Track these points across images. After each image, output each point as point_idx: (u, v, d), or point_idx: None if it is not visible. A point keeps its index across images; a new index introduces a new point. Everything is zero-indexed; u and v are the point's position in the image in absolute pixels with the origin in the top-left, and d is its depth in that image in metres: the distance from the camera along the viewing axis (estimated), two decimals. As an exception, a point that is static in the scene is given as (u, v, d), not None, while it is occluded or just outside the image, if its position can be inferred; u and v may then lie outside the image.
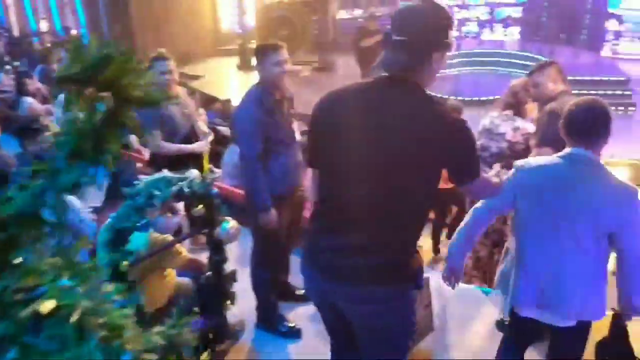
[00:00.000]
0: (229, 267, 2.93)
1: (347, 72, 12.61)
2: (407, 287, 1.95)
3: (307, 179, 3.03)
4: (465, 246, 2.55)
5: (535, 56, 12.53)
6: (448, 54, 1.86)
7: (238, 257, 3.71)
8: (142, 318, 1.98)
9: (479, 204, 2.50)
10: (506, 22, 13.92)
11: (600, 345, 2.62)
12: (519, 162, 2.45)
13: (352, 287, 1.90)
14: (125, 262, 2.30)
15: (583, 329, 2.39)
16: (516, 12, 14.45)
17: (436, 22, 1.81)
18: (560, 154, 2.35)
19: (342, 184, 1.91)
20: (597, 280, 2.33)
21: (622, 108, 10.37)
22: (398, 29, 1.80)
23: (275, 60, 3.14)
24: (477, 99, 10.61)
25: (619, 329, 2.55)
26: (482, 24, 14.11)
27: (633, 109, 10.33)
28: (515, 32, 14.47)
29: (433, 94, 10.14)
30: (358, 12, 15.46)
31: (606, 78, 10.91)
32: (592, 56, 12.89)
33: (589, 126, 2.26)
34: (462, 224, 2.53)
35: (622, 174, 4.56)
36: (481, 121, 4.12)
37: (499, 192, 2.20)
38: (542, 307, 2.37)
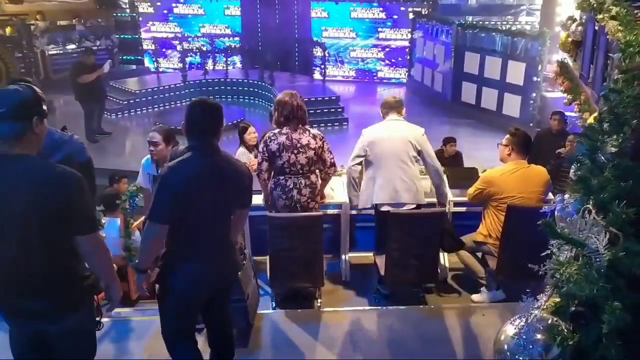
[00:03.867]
0: None
1: (66, 111, 11.58)
2: None
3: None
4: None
5: (258, 82, 13.36)
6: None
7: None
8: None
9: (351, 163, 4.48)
10: (227, 52, 14.49)
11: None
12: (365, 130, 4.43)
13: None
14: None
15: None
16: (235, 43, 15.19)
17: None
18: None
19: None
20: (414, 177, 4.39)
21: (338, 124, 11.70)
22: None
23: None
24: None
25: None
26: (204, 55, 14.43)
27: (346, 124, 11.72)
28: (237, 61, 15.19)
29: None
30: (71, 47, 14.37)
31: (320, 98, 12.18)
32: (306, 79, 14.28)
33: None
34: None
35: (339, 182, 5.07)
36: (271, 142, 4.14)
37: None
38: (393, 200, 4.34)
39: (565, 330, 1.28)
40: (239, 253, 3.36)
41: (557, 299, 1.34)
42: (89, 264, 2.39)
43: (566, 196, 1.56)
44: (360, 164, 4.47)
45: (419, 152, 4.37)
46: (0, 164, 2.06)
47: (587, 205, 1.39)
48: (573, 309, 1.29)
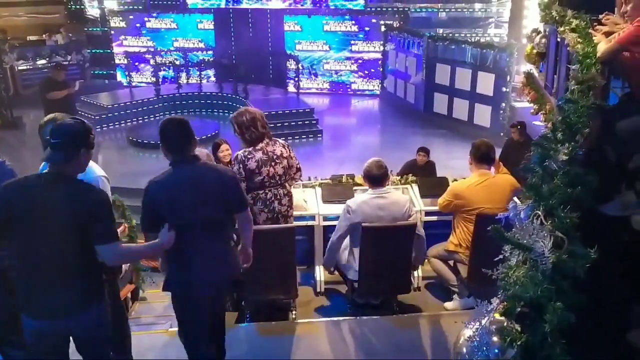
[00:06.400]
0: None
1: (36, 126, 11.32)
2: None
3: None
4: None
5: (232, 95, 13.36)
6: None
7: None
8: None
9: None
10: (201, 66, 14.46)
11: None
12: (350, 204, 4.15)
13: None
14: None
15: None
16: (208, 56, 15.17)
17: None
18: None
19: None
20: None
21: (312, 136, 11.76)
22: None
23: None
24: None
25: None
26: (177, 69, 14.37)
27: (321, 136, 11.79)
28: (210, 74, 15.16)
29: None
30: (42, 62, 14.21)
31: (295, 110, 12.24)
32: (280, 92, 14.33)
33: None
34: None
35: (313, 194, 5.09)
36: (249, 161, 4.11)
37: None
38: None
39: (514, 331, 1.32)
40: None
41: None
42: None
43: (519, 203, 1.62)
44: (343, 238, 4.31)
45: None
46: (53, 182, 2.59)
47: (537, 211, 1.46)
48: (518, 310, 1.34)
